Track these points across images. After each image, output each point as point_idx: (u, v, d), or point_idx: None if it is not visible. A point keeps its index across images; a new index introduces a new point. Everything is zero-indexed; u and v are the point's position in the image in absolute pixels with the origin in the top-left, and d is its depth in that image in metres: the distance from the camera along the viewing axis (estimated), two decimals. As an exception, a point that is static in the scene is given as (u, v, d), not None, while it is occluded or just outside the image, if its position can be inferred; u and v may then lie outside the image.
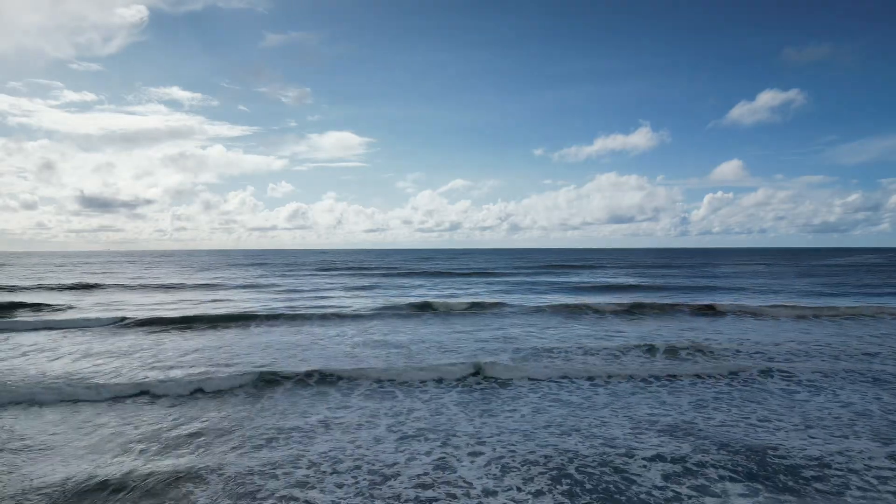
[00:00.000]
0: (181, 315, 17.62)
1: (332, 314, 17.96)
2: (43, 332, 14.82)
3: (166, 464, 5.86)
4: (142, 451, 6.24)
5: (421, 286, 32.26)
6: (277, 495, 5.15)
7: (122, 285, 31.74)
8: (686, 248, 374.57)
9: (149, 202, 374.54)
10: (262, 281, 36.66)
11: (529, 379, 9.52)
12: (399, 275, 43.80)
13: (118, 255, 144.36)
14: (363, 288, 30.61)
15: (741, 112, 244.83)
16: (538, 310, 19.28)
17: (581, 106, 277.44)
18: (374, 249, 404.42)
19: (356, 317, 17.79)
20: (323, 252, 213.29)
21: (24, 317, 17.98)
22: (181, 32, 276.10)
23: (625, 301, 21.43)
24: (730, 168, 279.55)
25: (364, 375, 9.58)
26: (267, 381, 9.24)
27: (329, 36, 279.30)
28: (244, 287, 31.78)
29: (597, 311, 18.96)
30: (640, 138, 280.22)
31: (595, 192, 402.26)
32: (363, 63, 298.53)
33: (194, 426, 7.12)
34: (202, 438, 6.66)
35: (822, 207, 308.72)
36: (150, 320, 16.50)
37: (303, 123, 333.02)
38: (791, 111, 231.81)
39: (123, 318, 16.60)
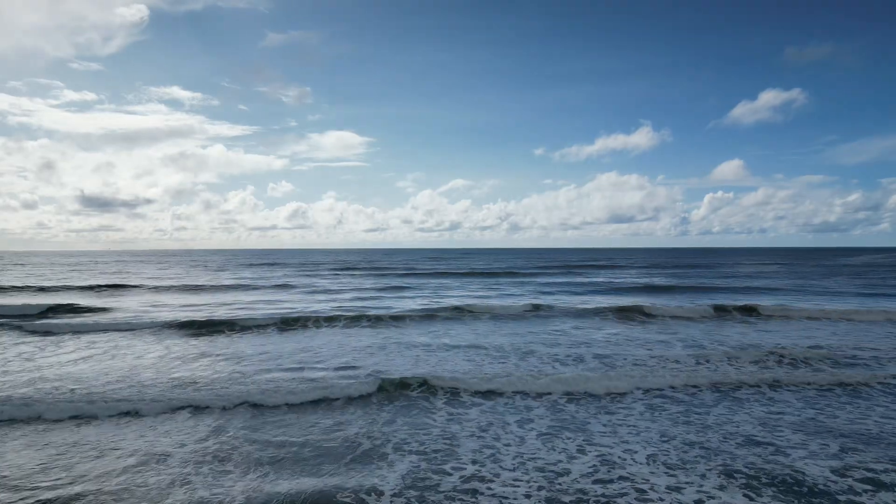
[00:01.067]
0: (246, 316, 17.44)
1: (400, 316, 17.78)
2: (113, 334, 14.66)
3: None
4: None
5: (457, 287, 31.99)
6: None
7: (152, 286, 31.43)
8: (690, 247, 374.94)
9: (149, 202, 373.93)
10: (293, 281, 36.37)
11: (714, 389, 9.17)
12: (423, 275, 43.51)
13: (124, 255, 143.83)
14: (398, 288, 30.38)
15: (742, 111, 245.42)
16: (598, 311, 19.02)
17: (582, 105, 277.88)
18: (376, 249, 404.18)
19: (425, 318, 17.62)
20: (330, 252, 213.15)
21: (83, 318, 17.73)
22: (181, 32, 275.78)
23: (680, 303, 21.24)
24: (730, 168, 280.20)
25: (498, 389, 8.96)
26: (396, 387, 9.06)
27: (330, 35, 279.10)
28: (280, 287, 31.54)
29: (649, 314, 18.46)
30: (642, 138, 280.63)
31: (595, 192, 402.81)
32: (364, 62, 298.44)
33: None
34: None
35: (822, 207, 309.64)
36: (211, 322, 16.31)
37: (303, 123, 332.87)
38: (792, 111, 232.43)
39: (191, 321, 16.35)
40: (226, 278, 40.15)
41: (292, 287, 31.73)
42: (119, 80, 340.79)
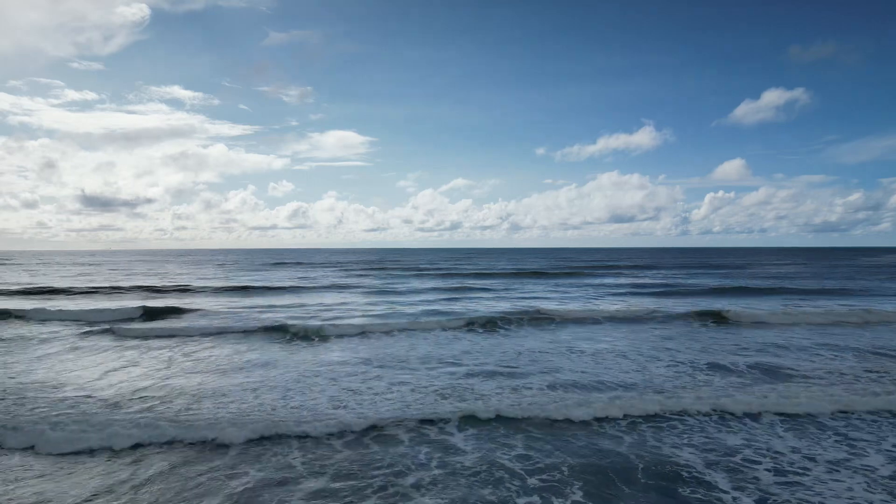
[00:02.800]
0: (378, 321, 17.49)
1: (582, 318, 17.95)
2: (237, 337, 14.67)
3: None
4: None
5: (534, 287, 31.98)
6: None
7: (218, 287, 31.35)
8: (692, 247, 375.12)
9: (149, 201, 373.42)
10: (344, 282, 36.25)
11: None
12: (464, 275, 43.46)
13: (134, 255, 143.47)
14: (456, 289, 30.40)
15: (745, 111, 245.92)
16: (684, 316, 18.83)
17: (584, 105, 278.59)
18: (377, 249, 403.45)
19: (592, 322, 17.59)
20: (338, 251, 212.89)
21: (194, 321, 17.68)
22: (182, 31, 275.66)
23: (772, 306, 21.21)
24: (732, 167, 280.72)
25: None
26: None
27: (331, 34, 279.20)
28: (339, 287, 31.47)
29: (733, 319, 17.93)
30: (644, 137, 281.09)
31: (596, 192, 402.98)
32: (365, 62, 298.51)
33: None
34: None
35: (822, 207, 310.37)
36: (359, 326, 16.24)
37: (304, 122, 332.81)
38: (795, 110, 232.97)
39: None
40: (276, 280, 40.08)
41: (350, 287, 31.70)
42: (120, 79, 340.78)
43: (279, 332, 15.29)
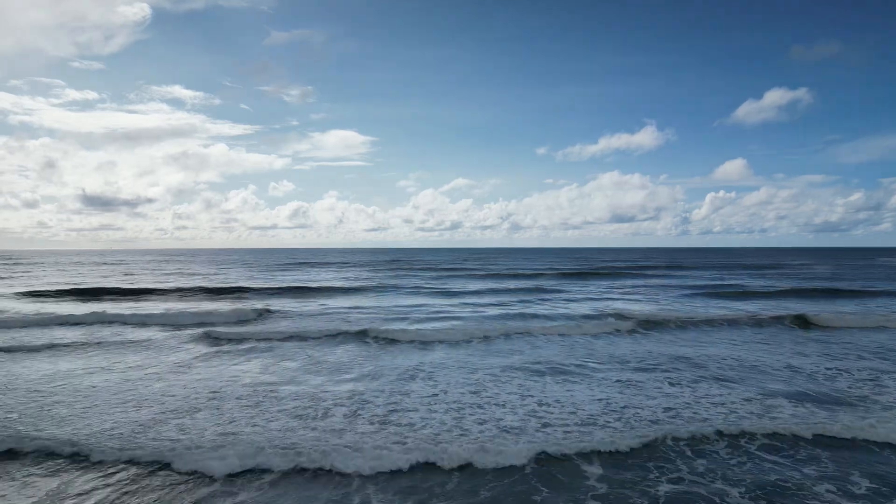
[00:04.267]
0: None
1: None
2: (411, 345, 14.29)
3: None
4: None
5: (577, 289, 31.69)
6: None
7: (276, 288, 30.87)
8: (694, 247, 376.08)
9: (150, 201, 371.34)
10: (401, 283, 35.83)
11: None
12: (511, 276, 42.99)
13: (144, 255, 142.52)
14: (547, 290, 30.06)
15: (747, 111, 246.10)
16: (775, 319, 18.56)
17: (586, 105, 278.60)
18: (377, 248, 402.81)
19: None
20: (347, 251, 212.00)
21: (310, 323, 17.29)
22: (183, 31, 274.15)
23: (853, 309, 20.94)
24: (733, 167, 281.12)
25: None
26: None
27: (333, 34, 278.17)
28: (415, 290, 31.08)
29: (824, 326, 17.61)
30: (645, 137, 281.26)
31: (597, 192, 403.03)
32: (367, 61, 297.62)
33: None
34: None
35: (823, 207, 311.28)
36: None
37: (306, 122, 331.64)
38: (798, 110, 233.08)
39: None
40: (320, 280, 39.64)
41: (402, 287, 31.31)
42: (121, 79, 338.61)
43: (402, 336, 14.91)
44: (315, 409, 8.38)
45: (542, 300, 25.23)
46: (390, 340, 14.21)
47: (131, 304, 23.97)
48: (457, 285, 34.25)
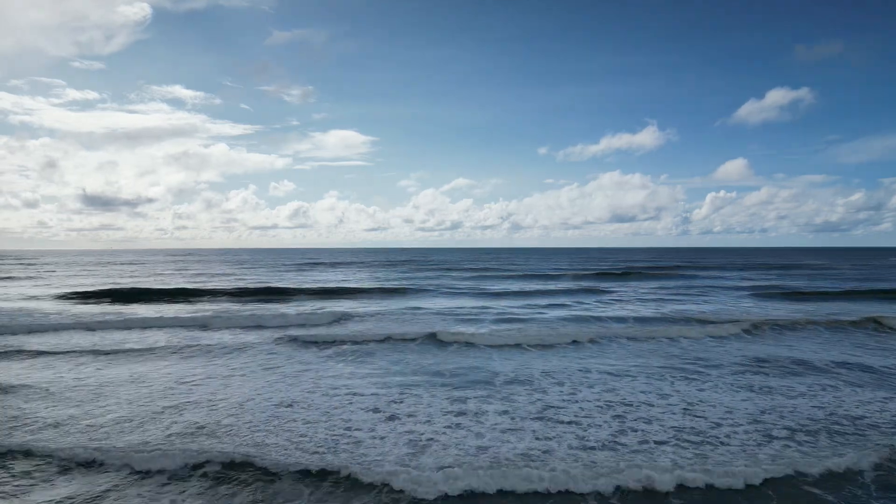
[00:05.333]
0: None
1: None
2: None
3: None
4: None
5: (628, 290, 30.99)
6: None
7: (316, 290, 30.17)
8: (697, 247, 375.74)
9: (150, 201, 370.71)
10: (440, 283, 35.11)
11: None
12: (550, 277, 42.27)
13: (155, 254, 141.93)
14: (572, 292, 29.37)
15: (749, 110, 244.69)
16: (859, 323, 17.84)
17: (587, 104, 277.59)
18: (378, 248, 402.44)
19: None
20: (349, 251, 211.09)
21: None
22: (184, 31, 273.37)
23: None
24: (734, 167, 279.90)
25: None
26: None
27: (334, 34, 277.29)
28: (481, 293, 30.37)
29: None
30: (647, 137, 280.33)
31: (597, 192, 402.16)
32: (368, 61, 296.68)
33: None
34: None
35: (824, 207, 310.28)
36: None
37: (306, 122, 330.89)
38: (800, 110, 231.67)
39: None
40: (357, 280, 38.96)
41: (443, 288, 30.61)
42: (121, 78, 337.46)
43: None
44: (507, 424, 7.68)
45: (600, 301, 24.50)
46: (498, 346, 13.50)
47: (190, 305, 23.29)
48: (495, 286, 33.53)
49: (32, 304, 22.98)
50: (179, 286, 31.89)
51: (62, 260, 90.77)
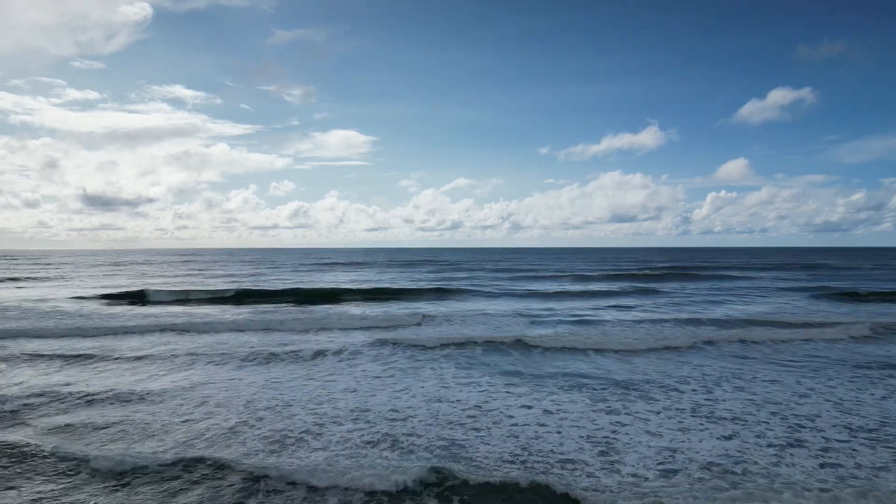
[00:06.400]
0: None
1: None
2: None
3: None
4: None
5: (676, 291, 30.71)
6: None
7: (368, 290, 29.83)
8: (700, 247, 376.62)
9: (151, 200, 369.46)
10: (469, 284, 34.78)
11: None
12: (593, 278, 41.93)
13: (162, 254, 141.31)
14: (622, 293, 29.10)
15: (751, 110, 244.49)
16: None
17: (589, 104, 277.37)
18: (378, 248, 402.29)
19: None
20: (360, 251, 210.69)
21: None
22: (184, 31, 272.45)
23: None
24: (735, 167, 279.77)
25: None
26: None
27: (335, 33, 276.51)
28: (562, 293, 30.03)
29: None
30: (648, 137, 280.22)
31: (598, 192, 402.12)
32: (369, 61, 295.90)
33: None
34: None
35: (824, 207, 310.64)
36: None
37: (307, 122, 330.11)
38: (801, 110, 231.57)
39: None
40: (386, 280, 38.63)
41: (484, 289, 30.31)
42: (122, 78, 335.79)
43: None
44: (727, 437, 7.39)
45: (660, 302, 24.21)
46: (600, 350, 13.21)
47: (247, 307, 22.95)
48: (542, 287, 33.23)
49: (91, 306, 22.59)
50: (221, 287, 31.52)
51: (74, 260, 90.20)
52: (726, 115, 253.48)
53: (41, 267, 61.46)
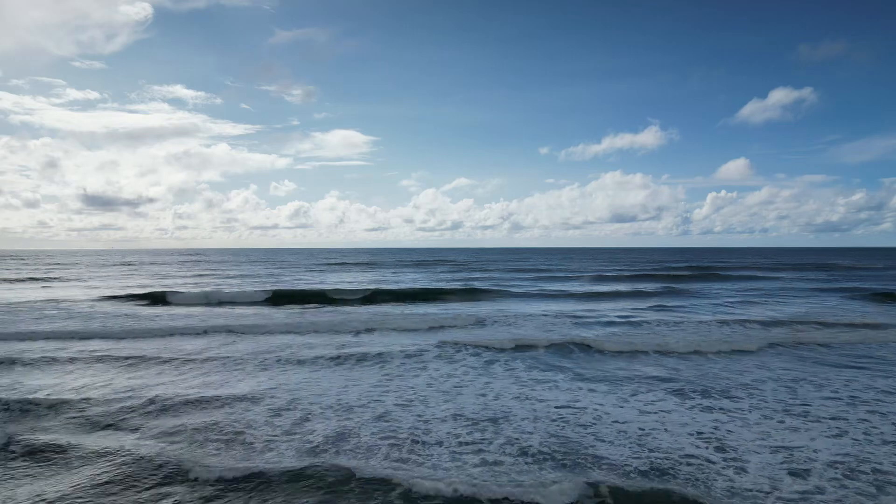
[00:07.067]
0: None
1: None
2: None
3: None
4: None
5: (713, 293, 30.76)
6: None
7: (401, 290, 29.86)
8: (702, 247, 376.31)
9: (151, 200, 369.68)
10: (527, 286, 34.79)
11: None
12: (620, 279, 41.92)
13: (171, 254, 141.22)
14: (660, 293, 29.13)
15: (752, 110, 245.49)
16: None
17: (590, 104, 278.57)
18: (381, 248, 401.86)
19: None
20: (364, 251, 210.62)
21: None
22: (185, 30, 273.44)
23: None
24: (735, 167, 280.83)
25: None
26: None
27: (336, 33, 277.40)
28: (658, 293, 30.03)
29: None
30: (649, 137, 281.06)
31: (598, 191, 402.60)
32: (369, 61, 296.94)
33: None
34: None
35: (825, 207, 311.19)
36: None
37: (308, 122, 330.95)
38: (802, 109, 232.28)
39: None
40: (422, 281, 38.65)
41: (531, 292, 30.35)
42: (122, 78, 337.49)
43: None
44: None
45: (700, 304, 24.22)
46: (666, 353, 13.23)
47: (299, 307, 23.00)
48: (564, 287, 33.26)
49: (126, 307, 22.61)
50: (250, 289, 31.53)
51: (81, 260, 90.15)
52: (727, 115, 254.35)
53: (51, 267, 61.44)
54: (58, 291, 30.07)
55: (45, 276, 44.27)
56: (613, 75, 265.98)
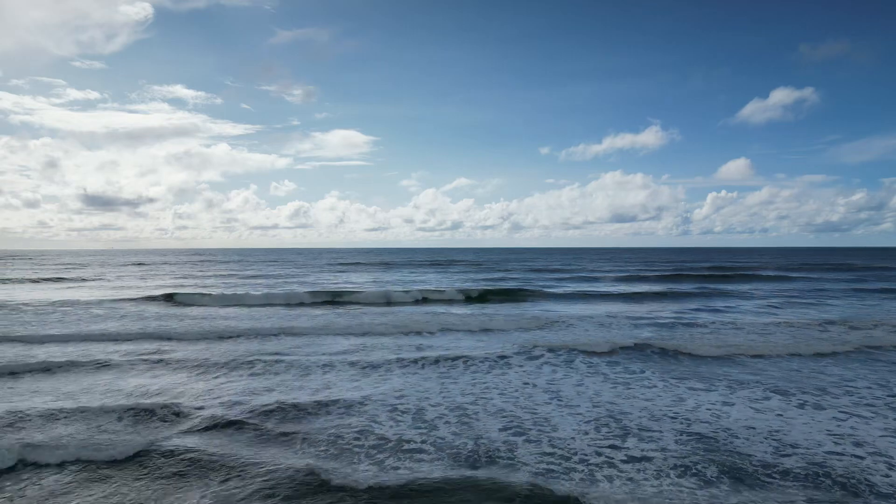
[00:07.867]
0: None
1: None
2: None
3: None
4: None
5: (755, 293, 30.66)
6: None
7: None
8: (704, 247, 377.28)
9: (151, 200, 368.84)
10: (562, 287, 34.66)
11: None
12: (647, 278, 41.81)
13: (176, 254, 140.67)
14: (706, 294, 29.06)
15: (752, 110, 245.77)
16: None
17: (590, 104, 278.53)
18: (379, 248, 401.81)
19: None
20: (370, 251, 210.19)
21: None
22: (185, 30, 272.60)
23: None
24: (736, 167, 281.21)
25: None
26: None
27: (336, 33, 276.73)
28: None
29: None
30: (650, 137, 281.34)
31: (598, 191, 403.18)
32: (370, 60, 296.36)
33: None
34: None
35: (825, 207, 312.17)
36: None
37: (308, 122, 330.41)
38: (803, 109, 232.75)
39: None
40: (446, 282, 38.50)
41: (577, 291, 30.23)
42: (122, 78, 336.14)
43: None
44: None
45: (753, 306, 24.09)
46: (758, 356, 13.13)
47: (346, 308, 22.85)
48: (597, 288, 33.17)
49: (166, 309, 22.43)
50: (278, 291, 31.34)
51: (90, 260, 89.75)
52: (728, 115, 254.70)
53: (63, 267, 60.98)
54: (87, 292, 29.79)
55: (59, 276, 43.83)
56: (614, 75, 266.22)
